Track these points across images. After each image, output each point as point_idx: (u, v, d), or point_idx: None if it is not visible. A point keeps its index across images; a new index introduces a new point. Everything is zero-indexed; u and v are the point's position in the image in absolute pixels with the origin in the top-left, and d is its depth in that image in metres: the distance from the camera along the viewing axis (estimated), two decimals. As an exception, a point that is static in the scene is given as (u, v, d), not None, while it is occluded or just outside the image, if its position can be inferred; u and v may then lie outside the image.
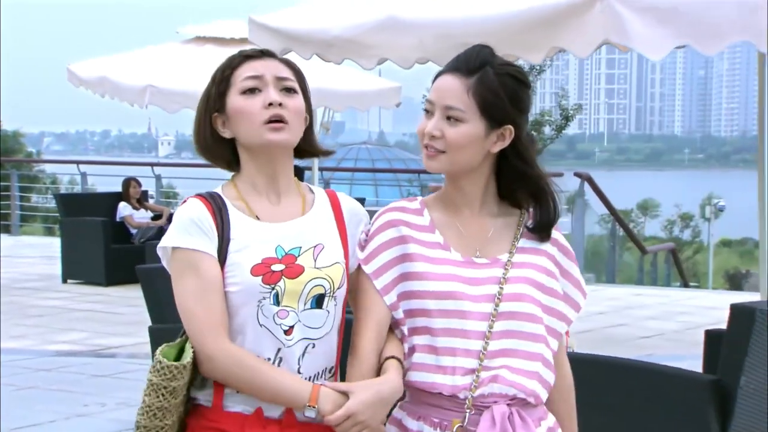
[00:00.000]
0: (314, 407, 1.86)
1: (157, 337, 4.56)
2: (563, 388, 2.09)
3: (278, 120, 1.95)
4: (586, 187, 10.69)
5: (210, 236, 1.93)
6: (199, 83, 7.61)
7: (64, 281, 10.35)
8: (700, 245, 46.85)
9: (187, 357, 1.89)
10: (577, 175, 10.47)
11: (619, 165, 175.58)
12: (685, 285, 13.38)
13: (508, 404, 1.94)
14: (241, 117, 1.97)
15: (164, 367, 1.87)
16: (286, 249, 1.96)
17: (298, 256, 1.96)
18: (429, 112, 1.99)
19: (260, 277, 1.92)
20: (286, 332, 1.93)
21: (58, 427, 5.23)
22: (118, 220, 10.48)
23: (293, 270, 1.94)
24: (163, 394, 1.88)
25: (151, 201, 11.74)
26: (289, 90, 1.99)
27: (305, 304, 1.95)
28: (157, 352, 1.90)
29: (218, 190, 2.02)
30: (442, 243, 2.00)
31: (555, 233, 2.06)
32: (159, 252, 1.99)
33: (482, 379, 1.93)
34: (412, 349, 1.98)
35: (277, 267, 1.93)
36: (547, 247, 2.05)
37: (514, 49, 3.66)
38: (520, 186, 2.03)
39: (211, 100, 2.00)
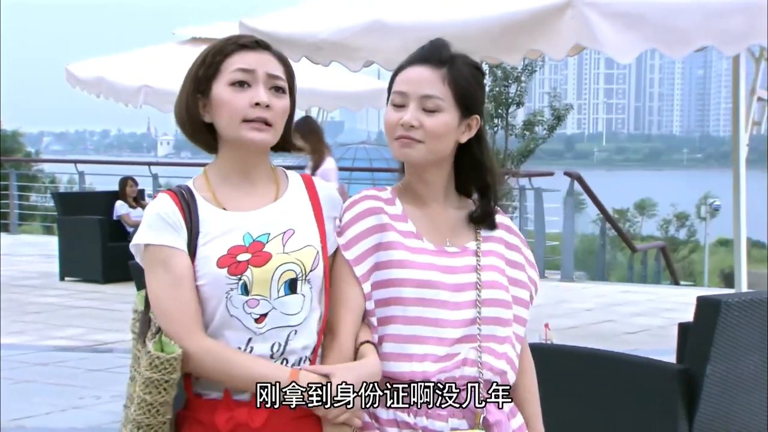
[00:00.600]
0: None
1: (150, 330, 4.72)
2: (524, 371, 2.12)
3: (262, 121, 1.93)
4: (579, 187, 10.83)
5: (178, 231, 1.91)
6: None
7: (62, 279, 10.48)
8: (696, 244, 47.09)
9: (178, 348, 1.88)
10: (567, 174, 10.60)
11: (617, 165, 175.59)
12: (676, 283, 13.52)
13: (488, 390, 1.95)
14: (224, 109, 1.93)
15: (163, 362, 1.85)
16: (254, 236, 1.93)
17: (266, 242, 1.93)
18: (399, 105, 1.98)
19: (225, 269, 1.89)
20: (257, 320, 1.91)
21: (53, 419, 5.38)
22: (114, 218, 10.61)
23: (260, 258, 1.91)
24: (165, 389, 1.86)
25: (148, 200, 11.88)
26: (278, 89, 1.96)
27: (278, 292, 1.92)
28: (150, 348, 1.87)
29: (189, 183, 2.00)
30: (414, 232, 2.01)
31: (508, 220, 2.11)
32: (132, 250, 1.98)
33: (482, 364, 1.95)
34: (382, 339, 1.97)
35: (243, 257, 1.91)
36: (502, 234, 2.09)
37: (493, 51, 3.82)
38: (472, 177, 2.06)
39: (198, 81, 1.95)
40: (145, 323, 1.95)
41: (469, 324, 1.97)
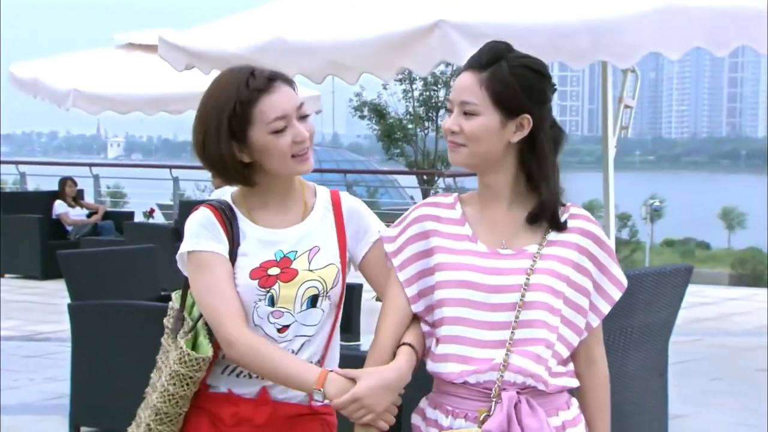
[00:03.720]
0: (321, 390, 1.95)
1: (74, 313, 5.18)
2: (595, 386, 2.09)
3: (305, 152, 2.08)
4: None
5: (219, 240, 2.06)
6: (120, 87, 8.30)
7: (2, 275, 10.81)
8: (637, 244, 48.21)
9: (209, 351, 2.04)
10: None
11: (571, 167, 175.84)
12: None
13: (518, 392, 1.96)
14: (273, 153, 2.04)
15: (192, 360, 2.01)
16: (285, 252, 2.09)
17: (294, 259, 2.08)
18: (450, 110, 2.06)
19: (257, 281, 2.05)
20: (279, 330, 2.07)
21: (-11, 398, 5.83)
22: (54, 217, 11.00)
23: (287, 274, 2.07)
24: (187, 384, 2.03)
25: (87, 199, 12.22)
26: (304, 117, 2.08)
27: (302, 306, 2.08)
28: (182, 345, 2.03)
29: (227, 198, 2.14)
30: (470, 235, 2.04)
31: (592, 226, 2.05)
32: (178, 261, 2.11)
33: (506, 366, 1.96)
34: (437, 341, 2.01)
35: (273, 271, 2.07)
36: (578, 239, 2.04)
37: (370, 68, 4.39)
38: (530, 177, 2.05)
39: (233, 132, 2.03)
40: (179, 320, 2.11)
41: (506, 327, 1.98)
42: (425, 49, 4.18)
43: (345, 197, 2.19)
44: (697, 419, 5.52)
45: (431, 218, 2.07)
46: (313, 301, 2.09)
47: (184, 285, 2.14)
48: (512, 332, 1.96)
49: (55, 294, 9.64)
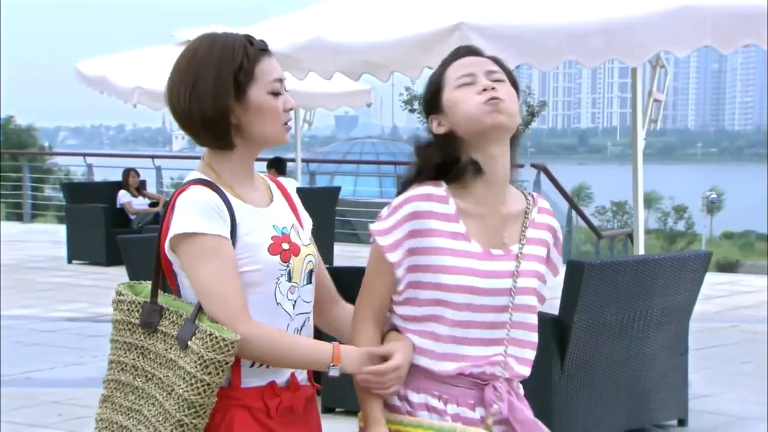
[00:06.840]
0: (337, 366, 1.97)
1: (134, 294, 5.61)
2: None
3: (289, 121, 2.09)
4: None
5: (226, 222, 1.96)
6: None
7: (69, 261, 11.40)
8: (694, 236, 47.69)
9: (231, 333, 1.91)
10: (533, 166, 11.44)
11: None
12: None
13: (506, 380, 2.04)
14: (268, 115, 2.01)
15: (228, 344, 1.89)
16: (280, 228, 2.04)
17: (289, 234, 2.05)
18: (469, 84, 2.04)
19: (278, 256, 1.99)
20: (293, 306, 2.03)
21: (57, 372, 6.33)
22: (118, 206, 11.54)
23: (295, 247, 2.03)
24: (223, 370, 1.90)
25: (149, 189, 12.78)
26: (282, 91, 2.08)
27: (303, 280, 2.05)
28: (212, 330, 1.90)
29: (204, 176, 2.03)
30: (464, 233, 2.03)
31: (554, 221, 2.13)
32: (175, 236, 1.95)
33: (505, 364, 2.02)
34: (436, 338, 2.02)
35: (285, 246, 2.02)
36: (546, 236, 2.11)
37: (397, 67, 4.72)
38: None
39: (233, 87, 1.97)
40: (154, 312, 1.98)
41: (502, 326, 2.03)
42: (447, 50, 4.49)
43: (286, 182, 2.24)
44: (720, 399, 5.75)
45: (426, 215, 2.02)
46: (309, 276, 2.07)
47: (156, 271, 2.01)
48: (508, 332, 2.01)
49: (119, 279, 9.92)
